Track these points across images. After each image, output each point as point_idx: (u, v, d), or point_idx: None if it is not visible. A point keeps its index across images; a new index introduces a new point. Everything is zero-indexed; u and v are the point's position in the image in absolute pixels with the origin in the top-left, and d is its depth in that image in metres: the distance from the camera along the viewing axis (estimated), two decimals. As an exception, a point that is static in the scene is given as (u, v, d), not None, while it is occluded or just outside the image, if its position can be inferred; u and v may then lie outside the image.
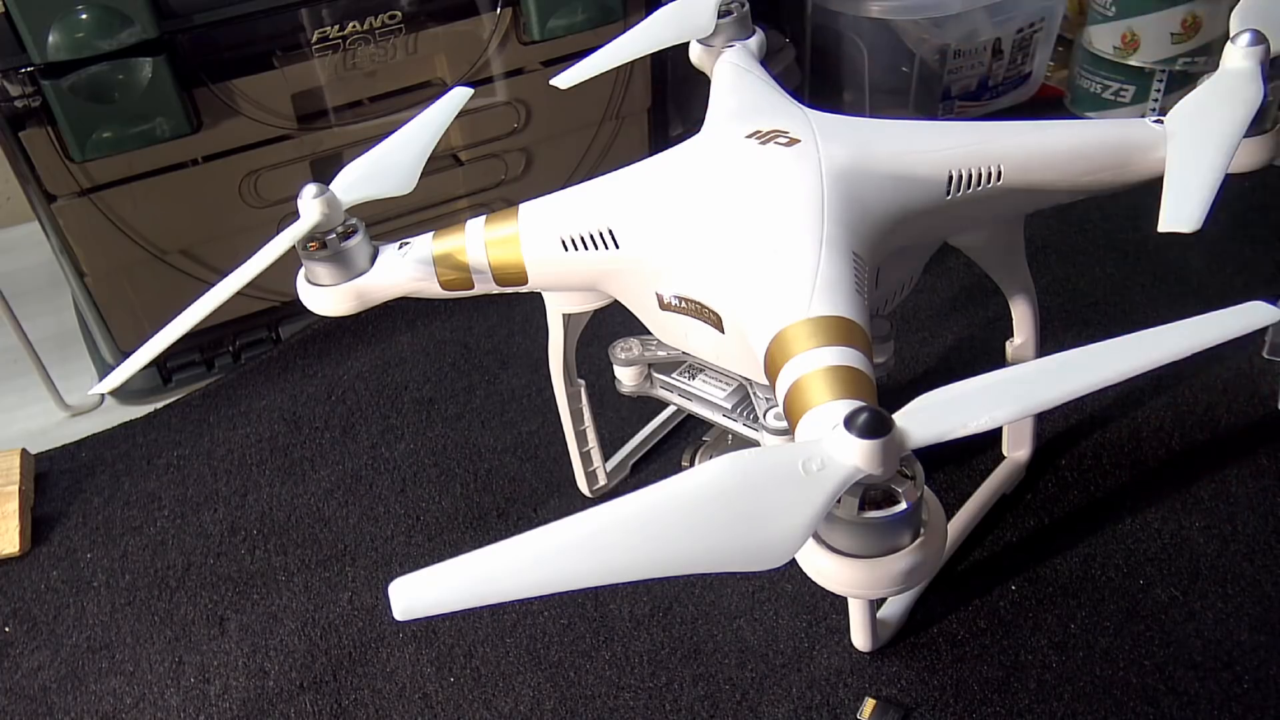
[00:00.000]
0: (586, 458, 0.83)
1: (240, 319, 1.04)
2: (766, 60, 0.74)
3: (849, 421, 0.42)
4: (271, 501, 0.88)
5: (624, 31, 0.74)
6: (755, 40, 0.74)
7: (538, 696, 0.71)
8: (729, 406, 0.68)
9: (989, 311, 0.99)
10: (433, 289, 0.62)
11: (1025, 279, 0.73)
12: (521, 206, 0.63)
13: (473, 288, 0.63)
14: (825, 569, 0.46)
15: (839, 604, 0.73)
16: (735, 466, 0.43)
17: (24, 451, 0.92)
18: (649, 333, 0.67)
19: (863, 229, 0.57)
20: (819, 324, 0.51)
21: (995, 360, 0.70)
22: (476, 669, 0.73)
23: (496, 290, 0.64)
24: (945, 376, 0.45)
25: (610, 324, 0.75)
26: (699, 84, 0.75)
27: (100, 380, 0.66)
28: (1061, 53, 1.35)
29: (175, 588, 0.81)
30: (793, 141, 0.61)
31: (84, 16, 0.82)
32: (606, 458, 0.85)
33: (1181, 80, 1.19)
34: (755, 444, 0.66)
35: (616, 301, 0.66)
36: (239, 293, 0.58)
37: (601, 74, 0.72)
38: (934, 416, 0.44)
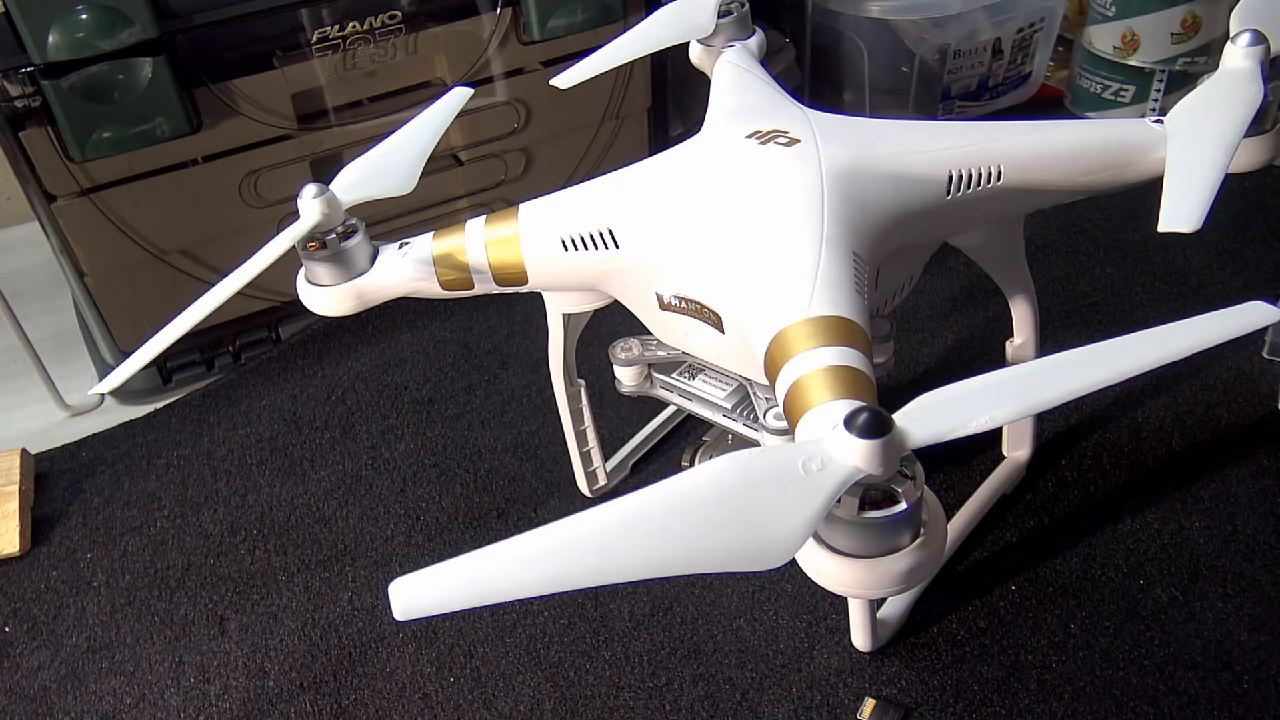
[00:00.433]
0: (586, 458, 0.83)
1: (240, 319, 1.04)
2: (766, 60, 0.74)
3: (849, 421, 0.42)
4: (271, 501, 0.88)
5: (624, 31, 0.74)
6: (755, 40, 0.74)
7: (538, 696, 0.71)
8: (729, 406, 0.68)
9: (989, 311, 0.99)
10: (433, 289, 0.62)
11: (1025, 279, 0.73)
12: (521, 206, 0.63)
13: (473, 288, 0.63)
14: (825, 569, 0.46)
15: (839, 604, 0.73)
16: (735, 466, 0.43)
17: (24, 451, 0.92)
18: (649, 333, 0.67)
19: (863, 229, 0.57)
20: (819, 324, 0.51)
21: (995, 360, 0.70)
22: (476, 669, 0.73)
23: (496, 290, 0.64)
24: (945, 376, 0.45)
25: (610, 324, 0.75)
26: (699, 84, 0.75)
27: (100, 380, 0.66)
28: (1061, 53, 1.35)
29: (175, 588, 0.81)
30: (793, 141, 0.61)
31: (84, 16, 0.82)
32: (606, 458, 0.85)
33: (1181, 80, 1.19)
34: (755, 444, 0.66)
35: (616, 301, 0.66)
36: (239, 293, 0.58)
37: (601, 74, 0.72)
38: (934, 416, 0.44)
